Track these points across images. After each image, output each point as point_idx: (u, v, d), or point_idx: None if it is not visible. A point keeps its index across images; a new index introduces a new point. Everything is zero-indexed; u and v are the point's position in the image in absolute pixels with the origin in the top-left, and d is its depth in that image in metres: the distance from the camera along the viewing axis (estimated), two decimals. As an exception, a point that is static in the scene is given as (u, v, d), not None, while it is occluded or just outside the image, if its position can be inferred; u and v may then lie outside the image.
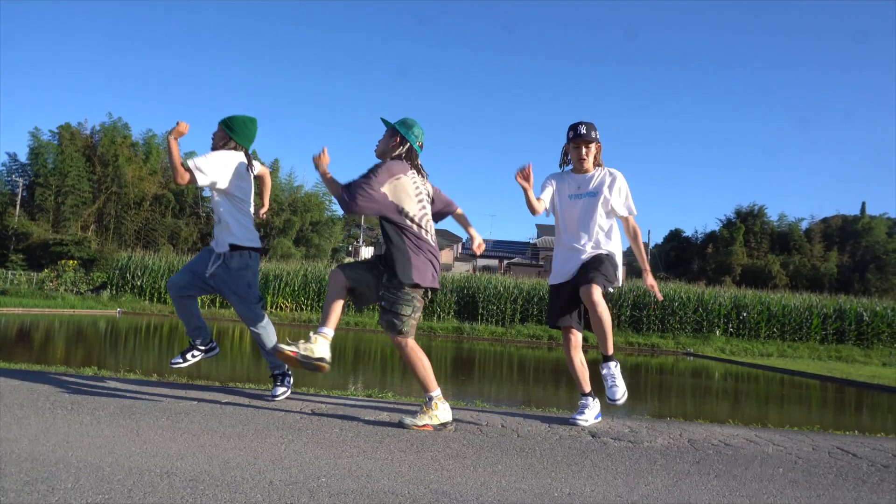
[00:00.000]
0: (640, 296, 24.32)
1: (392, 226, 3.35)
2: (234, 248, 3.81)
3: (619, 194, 3.66)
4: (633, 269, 49.44)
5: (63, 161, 38.37)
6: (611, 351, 3.49)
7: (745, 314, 23.83)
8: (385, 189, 3.30)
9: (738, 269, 44.44)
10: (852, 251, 46.43)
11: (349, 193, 3.29)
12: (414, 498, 1.97)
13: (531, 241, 57.79)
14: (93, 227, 39.74)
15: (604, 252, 3.58)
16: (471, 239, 3.85)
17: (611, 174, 3.69)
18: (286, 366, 3.86)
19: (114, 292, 25.42)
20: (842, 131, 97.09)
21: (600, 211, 3.61)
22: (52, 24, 78.35)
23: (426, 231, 3.42)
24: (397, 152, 3.48)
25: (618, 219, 3.74)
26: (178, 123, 3.82)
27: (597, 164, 3.73)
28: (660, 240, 53.21)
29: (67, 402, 3.18)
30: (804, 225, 49.66)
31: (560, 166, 3.83)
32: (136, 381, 4.22)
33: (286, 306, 25.44)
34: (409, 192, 3.34)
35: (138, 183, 39.81)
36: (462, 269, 48.15)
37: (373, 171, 3.35)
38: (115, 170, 39.22)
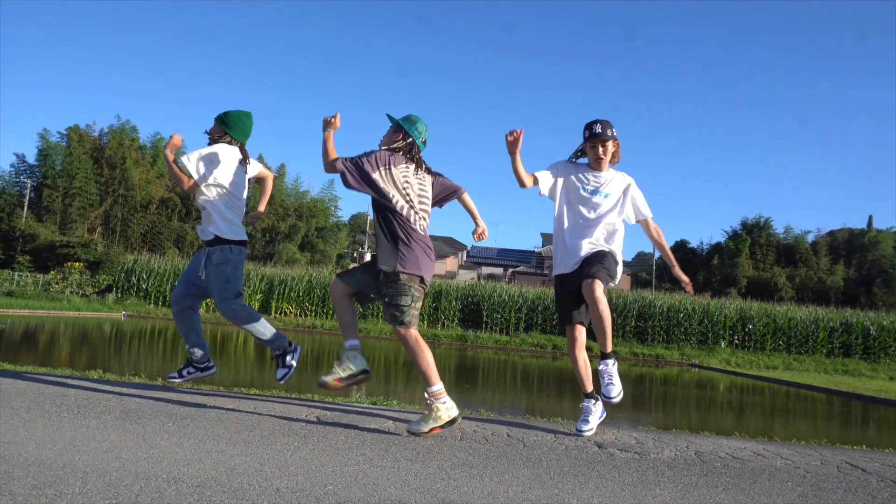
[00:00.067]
0: (646, 306, 24.26)
1: (382, 215, 3.42)
2: (217, 240, 3.82)
3: (638, 199, 3.65)
4: (637, 280, 49.34)
5: (71, 163, 38.62)
6: (609, 348, 3.48)
7: (750, 326, 23.74)
8: (376, 175, 3.38)
9: (743, 280, 44.33)
10: (859, 265, 46.24)
11: (343, 160, 3.35)
12: (421, 507, 1.96)
13: (536, 250, 57.75)
14: (99, 230, 39.93)
15: (606, 248, 3.56)
16: (475, 226, 3.86)
17: (625, 179, 3.66)
18: (286, 344, 3.88)
19: (119, 295, 25.50)
20: (849, 145, 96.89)
21: (612, 212, 3.59)
22: (62, 25, 79.04)
23: (418, 224, 3.46)
24: (400, 148, 3.54)
25: (638, 223, 3.71)
26: (171, 136, 3.86)
27: (616, 161, 3.66)
28: (665, 250, 53.05)
29: (74, 406, 3.19)
30: (810, 238, 49.58)
31: (569, 160, 3.73)
32: (140, 385, 4.22)
33: (290, 311, 25.47)
34: (398, 183, 3.41)
35: (145, 186, 40.01)
36: (466, 276, 48.13)
37: (369, 153, 3.44)
38: (123, 172, 39.45)
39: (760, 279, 44.17)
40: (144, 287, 25.82)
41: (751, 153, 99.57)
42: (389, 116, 3.67)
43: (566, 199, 3.63)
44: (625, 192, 3.63)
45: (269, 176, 4.45)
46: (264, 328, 3.86)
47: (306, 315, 25.21)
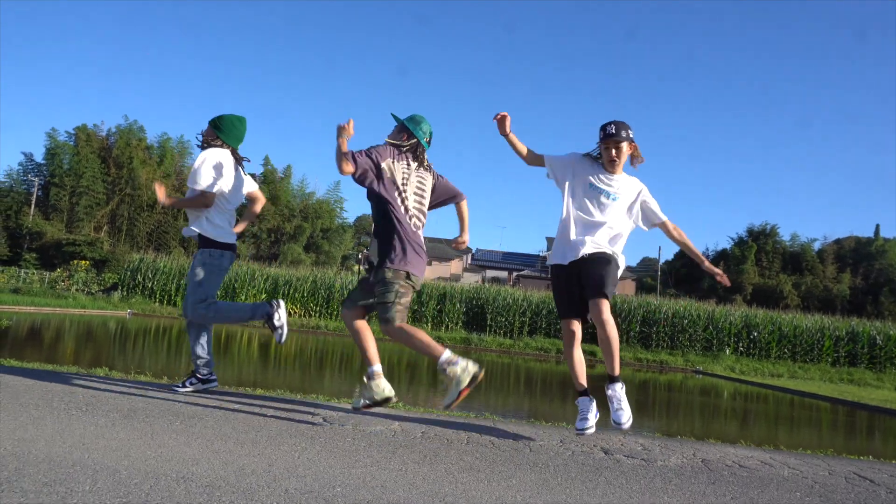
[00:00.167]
0: (650, 312, 24.20)
1: (377, 208, 3.49)
2: (204, 240, 3.87)
3: (651, 204, 3.61)
4: (642, 285, 49.21)
5: (78, 162, 38.81)
6: (617, 371, 3.40)
7: (755, 334, 23.64)
8: (384, 165, 3.46)
9: (749, 288, 44.18)
10: (865, 273, 46.05)
11: (352, 151, 3.40)
12: (429, 511, 1.96)
13: (541, 254, 57.72)
14: (105, 229, 40.09)
15: (609, 251, 3.48)
16: (460, 234, 3.93)
17: (637, 185, 3.62)
18: (267, 309, 3.93)
19: (125, 293, 25.59)
20: (857, 153, 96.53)
21: (620, 216, 3.55)
22: (71, 26, 79.48)
23: (411, 221, 3.51)
24: (405, 147, 3.61)
25: (655, 227, 3.65)
26: (157, 189, 3.92)
27: (639, 160, 3.60)
28: (670, 256, 53.00)
29: (82, 404, 3.20)
30: (817, 246, 49.41)
31: (585, 155, 3.67)
32: (146, 384, 4.24)
33: (295, 311, 25.50)
34: (397, 179, 3.48)
35: (152, 185, 40.11)
36: (471, 279, 48.09)
37: (376, 146, 3.51)
38: (130, 172, 39.61)
39: (766, 286, 44.02)
40: (150, 286, 25.90)
41: (757, 160, 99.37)
42: (394, 116, 3.75)
43: (573, 194, 3.56)
44: (636, 197, 3.60)
45: (261, 199, 4.46)
46: (236, 317, 3.86)
47: (310, 315, 25.24)
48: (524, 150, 3.68)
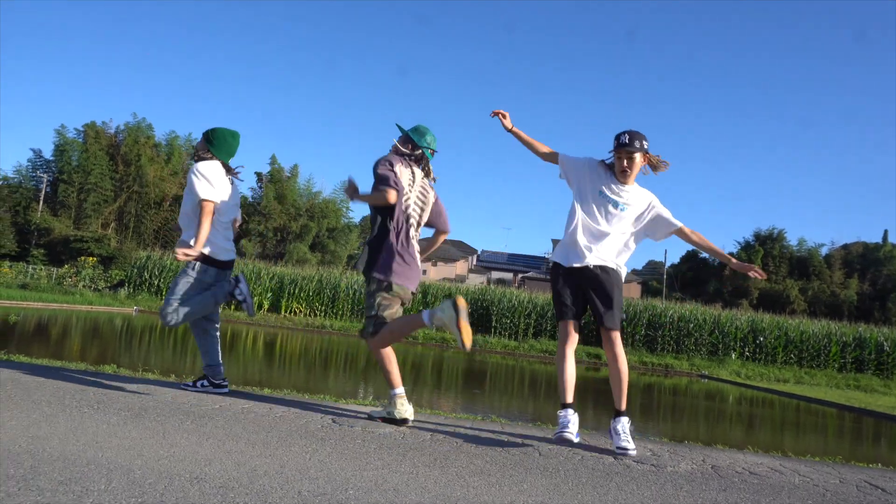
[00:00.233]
0: (656, 316, 24.15)
1: (382, 214, 3.52)
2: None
3: (663, 213, 3.56)
4: (647, 288, 49.10)
5: (87, 159, 39.04)
6: (624, 406, 3.37)
7: (762, 338, 23.56)
8: (397, 168, 3.51)
9: (755, 292, 44.03)
10: (873, 279, 45.82)
11: (383, 178, 3.44)
12: (441, 515, 1.96)
13: (546, 256, 57.66)
14: (113, 225, 40.31)
15: (613, 266, 3.47)
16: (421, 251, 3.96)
17: (648, 196, 3.58)
18: (227, 290, 3.94)
19: (131, 290, 25.70)
20: (866, 158, 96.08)
21: (628, 228, 3.54)
22: (81, 23, 79.87)
23: (404, 230, 3.54)
24: (410, 157, 3.65)
25: (672, 235, 3.60)
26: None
27: (662, 168, 3.55)
28: (676, 260, 52.87)
29: (93, 401, 3.21)
30: (824, 251, 49.20)
31: (601, 161, 3.63)
32: (155, 382, 4.25)
33: (300, 310, 25.55)
34: (402, 187, 3.53)
35: (159, 183, 40.36)
36: (476, 281, 48.09)
37: (377, 168, 3.51)
38: (138, 169, 39.82)
39: (772, 291, 43.85)
40: (156, 283, 26.01)
41: (764, 163, 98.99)
42: (399, 126, 3.79)
43: (583, 199, 3.54)
44: (646, 209, 3.55)
45: (237, 221, 4.32)
46: (201, 309, 3.83)
47: (316, 315, 25.29)
48: (536, 144, 3.70)
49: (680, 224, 3.58)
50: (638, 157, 3.46)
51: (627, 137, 3.44)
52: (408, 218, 3.57)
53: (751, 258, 46.28)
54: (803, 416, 11.52)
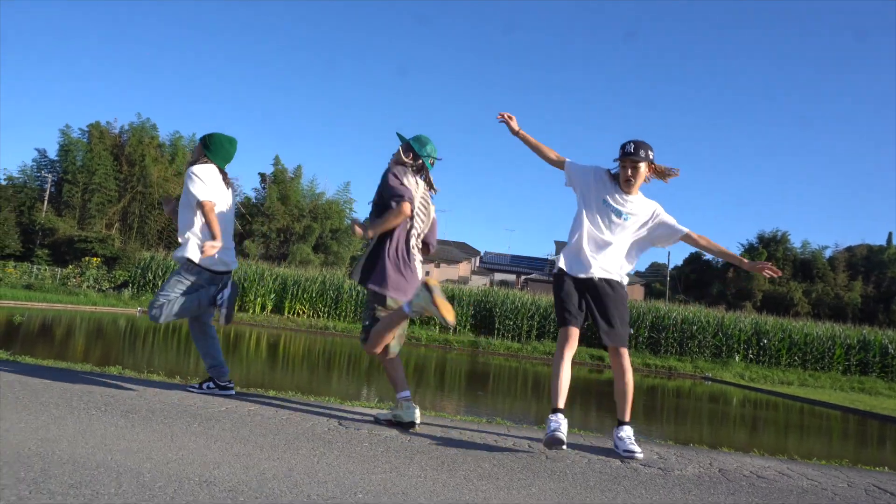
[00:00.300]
0: (659, 318, 24.10)
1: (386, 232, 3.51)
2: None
3: (668, 220, 3.53)
4: (651, 291, 49.03)
5: (91, 159, 39.11)
6: (629, 416, 3.40)
7: (765, 341, 23.49)
8: (405, 180, 3.53)
9: (758, 294, 43.95)
10: (877, 282, 45.70)
11: (399, 198, 3.44)
12: (451, 519, 1.96)
13: (549, 258, 57.61)
14: (117, 226, 40.37)
15: (617, 279, 3.47)
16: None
17: (651, 205, 3.55)
18: (213, 297, 3.88)
19: (135, 291, 25.72)
20: (870, 161, 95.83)
21: (631, 238, 3.52)
22: (86, 23, 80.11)
23: (411, 240, 3.55)
24: (412, 167, 3.65)
25: (680, 241, 3.59)
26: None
27: (672, 175, 3.53)
28: (679, 262, 52.79)
29: (100, 403, 3.22)
30: (828, 253, 49.06)
31: (608, 171, 3.62)
32: (160, 384, 4.26)
33: (303, 312, 25.56)
34: (413, 198, 3.53)
35: (163, 183, 40.39)
36: (479, 282, 48.07)
37: (386, 182, 3.51)
38: (142, 170, 39.87)
39: (776, 293, 43.76)
40: (160, 284, 26.02)
41: (768, 166, 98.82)
42: (399, 136, 3.77)
43: (587, 207, 3.53)
44: (650, 218, 3.52)
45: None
46: (183, 311, 3.80)
47: (319, 316, 25.29)
48: (544, 148, 3.69)
49: (686, 230, 3.55)
50: (642, 166, 3.44)
51: (632, 147, 3.43)
52: (410, 228, 3.55)
53: (754, 260, 46.22)
54: (807, 418, 11.48)
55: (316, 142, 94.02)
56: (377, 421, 3.55)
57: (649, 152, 3.45)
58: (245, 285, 25.79)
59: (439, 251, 59.42)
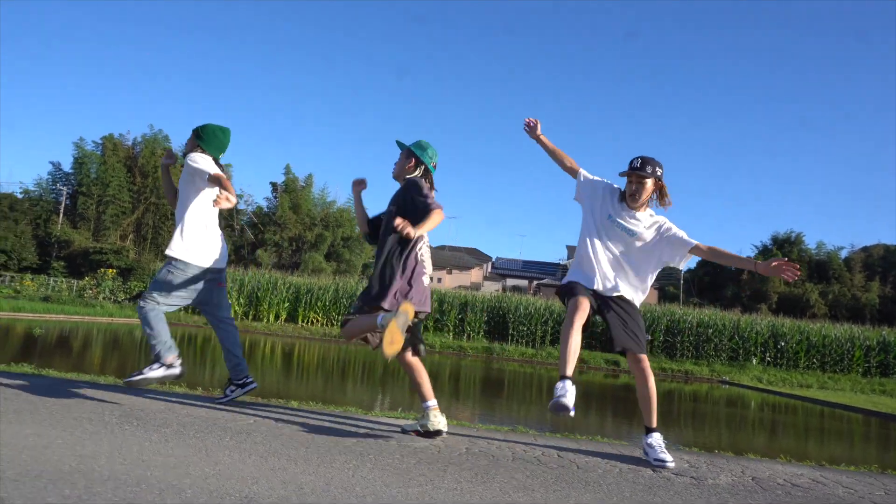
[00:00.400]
0: (674, 321, 23.95)
1: (393, 238, 3.48)
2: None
3: (677, 233, 3.45)
4: (665, 294, 48.74)
5: (105, 171, 39.57)
6: (655, 423, 3.36)
7: (783, 343, 23.29)
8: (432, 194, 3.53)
9: (774, 297, 43.56)
10: (895, 282, 45.12)
11: (435, 203, 3.42)
12: (492, 533, 1.95)
13: (561, 263, 57.45)
14: (131, 237, 40.76)
15: (628, 297, 3.45)
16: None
17: (658, 220, 3.50)
18: (164, 356, 3.75)
19: (150, 302, 25.89)
20: (884, 159, 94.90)
21: (639, 255, 3.48)
22: (97, 37, 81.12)
23: (421, 251, 3.54)
24: (413, 174, 3.64)
25: (692, 253, 3.50)
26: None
27: (665, 205, 3.52)
28: (693, 264, 52.46)
29: (131, 418, 3.24)
30: (844, 254, 48.56)
31: (615, 186, 3.61)
32: (184, 396, 4.29)
33: (317, 320, 25.64)
34: None
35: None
36: (491, 288, 48.02)
37: (420, 190, 3.48)
38: (155, 181, 40.23)
39: (792, 295, 43.35)
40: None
41: (782, 167, 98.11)
42: (399, 143, 3.78)
43: (593, 221, 3.53)
44: (657, 233, 3.45)
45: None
46: (157, 336, 3.72)
47: (333, 324, 25.36)
48: (560, 153, 3.71)
49: (695, 242, 3.45)
50: (649, 182, 3.42)
51: (639, 162, 3.41)
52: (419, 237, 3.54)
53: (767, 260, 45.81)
54: (829, 421, 11.35)
55: (327, 150, 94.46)
56: (405, 431, 3.55)
57: (657, 169, 3.42)
58: (259, 294, 25.92)
59: (451, 257, 59.39)
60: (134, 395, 4.00)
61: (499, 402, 10.05)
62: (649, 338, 23.41)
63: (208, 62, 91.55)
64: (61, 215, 39.90)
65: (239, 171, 62.13)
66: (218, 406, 3.88)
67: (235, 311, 25.43)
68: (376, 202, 4.34)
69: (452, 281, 51.56)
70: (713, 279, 48.53)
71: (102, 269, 29.07)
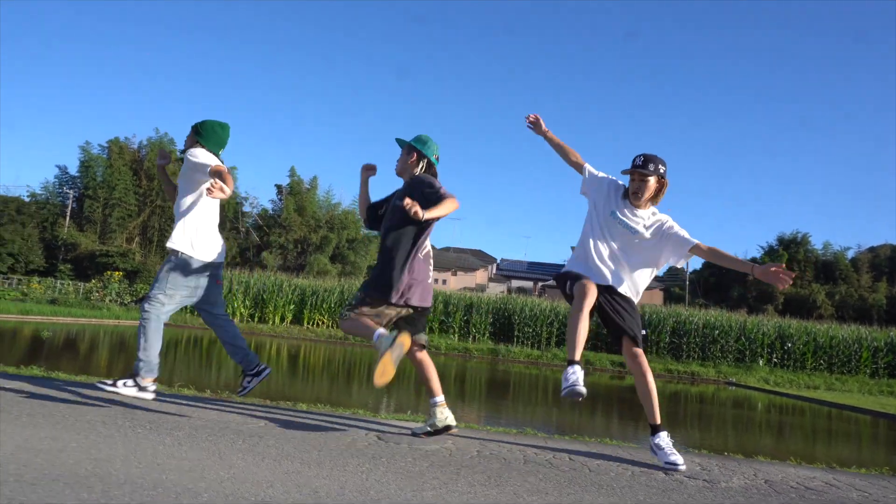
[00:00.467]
0: (680, 322, 23.88)
1: (414, 233, 3.50)
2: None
3: (679, 232, 3.43)
4: (670, 295, 48.62)
5: (111, 174, 39.75)
6: (659, 419, 3.33)
7: (790, 344, 23.18)
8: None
9: (780, 297, 43.36)
10: (902, 282, 44.90)
11: (441, 189, 3.46)
12: (508, 537, 1.95)
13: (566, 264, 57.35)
14: (137, 240, 40.92)
15: (629, 295, 3.46)
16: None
17: (660, 218, 3.49)
18: (140, 373, 3.59)
19: (156, 304, 25.96)
20: (884, 159, 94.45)
21: (640, 252, 3.48)
22: (103, 42, 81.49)
23: (424, 249, 3.56)
24: (417, 169, 3.66)
25: (692, 252, 3.47)
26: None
27: (656, 201, 3.52)
28: (698, 265, 52.29)
29: (144, 421, 3.25)
30: (850, 254, 48.35)
31: (621, 183, 3.62)
32: (194, 398, 4.29)
33: (323, 322, 25.66)
34: None
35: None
36: (496, 290, 47.99)
37: (430, 184, 3.51)
38: (160, 184, 40.36)
39: (798, 296, 43.16)
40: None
41: (782, 167, 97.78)
42: (399, 140, 3.78)
43: (597, 216, 3.54)
44: (659, 231, 3.44)
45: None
46: (148, 350, 3.57)
47: (338, 326, 25.36)
48: (566, 148, 3.73)
49: (695, 241, 3.43)
50: (652, 180, 3.42)
51: (642, 160, 3.42)
52: (427, 233, 3.57)
53: (775, 263, 45.64)
54: (836, 423, 11.30)
55: (328, 151, 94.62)
56: (415, 434, 3.55)
57: (660, 167, 3.42)
58: (264, 297, 25.96)
59: (456, 259, 59.42)
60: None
61: (505, 403, 10.04)
62: (655, 339, 23.39)
63: (208, 62, 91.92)
64: (68, 218, 40.09)
65: (243, 174, 62.25)
66: (227, 408, 3.90)
67: (241, 314, 25.48)
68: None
69: (457, 282, 51.56)
70: (719, 280, 48.36)
71: (109, 272, 29.14)
